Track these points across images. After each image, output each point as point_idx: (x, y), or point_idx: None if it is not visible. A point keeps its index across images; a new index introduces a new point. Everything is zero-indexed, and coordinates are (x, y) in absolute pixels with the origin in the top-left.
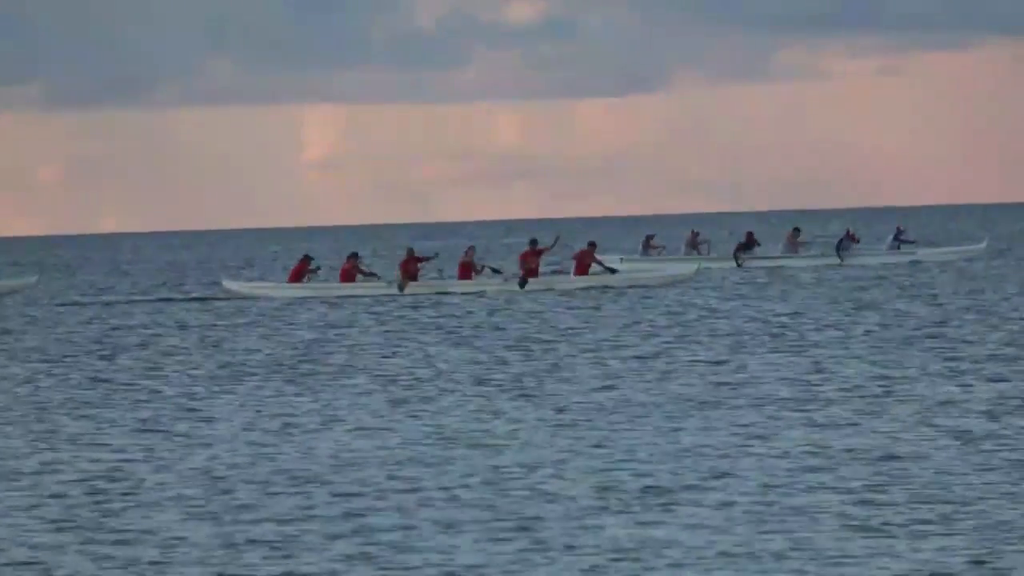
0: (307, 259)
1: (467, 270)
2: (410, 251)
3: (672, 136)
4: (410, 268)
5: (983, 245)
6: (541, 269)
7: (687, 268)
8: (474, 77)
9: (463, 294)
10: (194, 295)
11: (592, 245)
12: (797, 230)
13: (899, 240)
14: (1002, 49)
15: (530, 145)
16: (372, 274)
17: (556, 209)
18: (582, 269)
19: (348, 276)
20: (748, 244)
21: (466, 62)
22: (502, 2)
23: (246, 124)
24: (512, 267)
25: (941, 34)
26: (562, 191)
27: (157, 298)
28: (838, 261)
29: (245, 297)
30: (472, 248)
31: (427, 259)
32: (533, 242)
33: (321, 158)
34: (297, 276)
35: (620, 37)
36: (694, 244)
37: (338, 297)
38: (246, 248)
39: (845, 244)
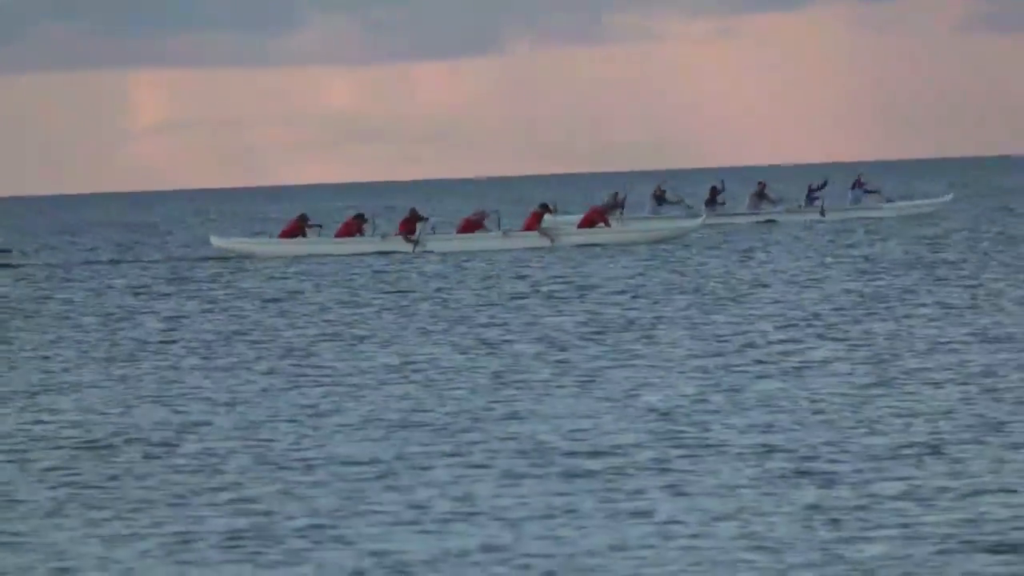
0: (304, 217)
1: (471, 227)
2: (413, 211)
3: (508, 99)
4: (407, 227)
5: (949, 198)
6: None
7: (693, 222)
8: (309, 41)
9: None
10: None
11: (613, 201)
12: (762, 184)
13: (862, 190)
14: (835, 9)
15: (365, 109)
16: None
17: (392, 173)
18: (588, 223)
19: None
20: (712, 198)
21: (301, 26)
22: None
23: (78, 90)
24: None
25: None
26: (398, 155)
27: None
28: (818, 216)
29: (236, 254)
30: (483, 212)
31: (424, 219)
32: (543, 206)
33: (155, 123)
34: (292, 233)
35: (455, 0)
36: (660, 200)
37: (341, 255)
38: (90, 215)
39: (813, 197)
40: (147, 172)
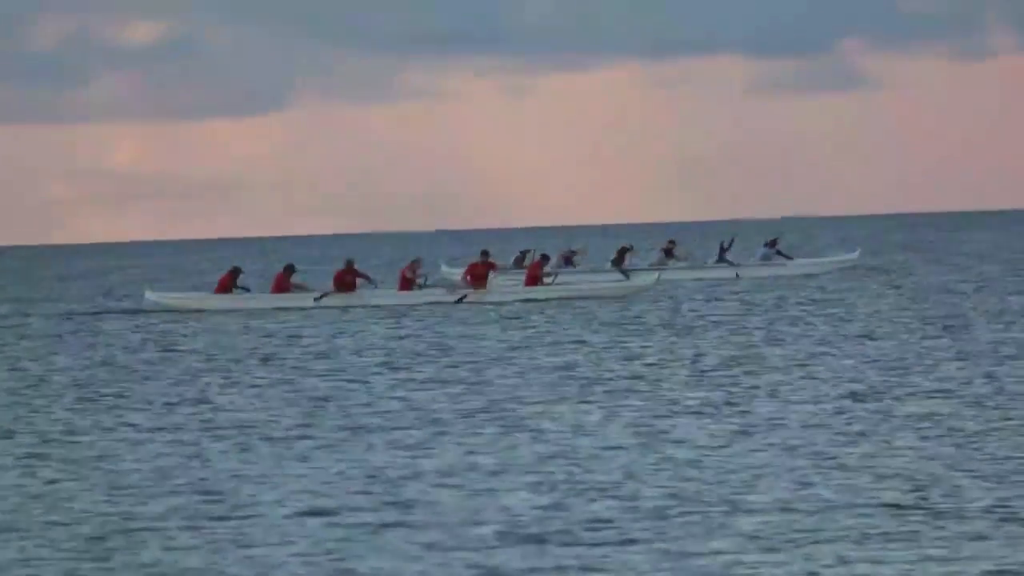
0: (236, 271)
1: (407, 284)
2: (349, 263)
3: (295, 156)
4: (346, 279)
5: (855, 255)
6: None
7: (648, 279)
8: (93, 97)
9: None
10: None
11: (544, 257)
12: (672, 242)
13: (771, 250)
14: (624, 70)
15: (151, 166)
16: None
17: (176, 231)
18: (532, 280)
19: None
20: (622, 254)
21: (86, 82)
22: (122, 22)
23: None
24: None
25: (565, 56)
26: (183, 212)
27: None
28: (721, 271)
29: (170, 309)
30: (417, 262)
31: (367, 278)
32: (484, 253)
33: None
34: (225, 288)
35: (242, 56)
36: (569, 258)
37: (269, 308)
38: None
39: (722, 257)
40: None
